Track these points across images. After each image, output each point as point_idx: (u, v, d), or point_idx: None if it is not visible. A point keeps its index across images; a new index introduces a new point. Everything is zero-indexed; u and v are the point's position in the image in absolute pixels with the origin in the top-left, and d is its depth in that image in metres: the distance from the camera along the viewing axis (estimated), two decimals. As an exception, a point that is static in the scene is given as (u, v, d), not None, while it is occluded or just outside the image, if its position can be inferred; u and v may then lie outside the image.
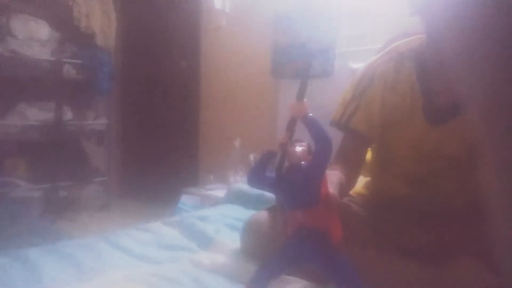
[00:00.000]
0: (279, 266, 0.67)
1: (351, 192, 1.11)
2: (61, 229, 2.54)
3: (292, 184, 0.65)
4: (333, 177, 0.85)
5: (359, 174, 1.10)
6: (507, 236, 0.25)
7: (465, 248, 0.83)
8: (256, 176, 0.68)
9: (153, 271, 0.93)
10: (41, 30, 2.95)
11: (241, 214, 1.40)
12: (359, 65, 2.07)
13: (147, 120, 3.57)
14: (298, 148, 0.65)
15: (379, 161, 1.07)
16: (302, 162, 0.65)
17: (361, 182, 1.14)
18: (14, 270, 0.89)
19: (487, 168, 0.26)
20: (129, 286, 0.87)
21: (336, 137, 1.00)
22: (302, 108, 0.64)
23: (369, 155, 1.15)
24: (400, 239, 0.93)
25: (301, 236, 0.63)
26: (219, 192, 2.53)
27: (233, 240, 1.12)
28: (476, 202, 0.68)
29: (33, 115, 2.93)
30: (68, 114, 3.12)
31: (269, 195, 1.46)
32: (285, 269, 0.69)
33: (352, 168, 1.01)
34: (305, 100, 0.65)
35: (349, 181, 1.00)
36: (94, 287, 0.84)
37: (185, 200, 2.60)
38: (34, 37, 2.91)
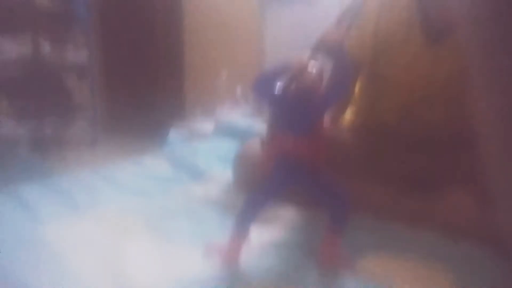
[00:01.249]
0: (268, 193, 0.68)
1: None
2: (50, 166, 2.54)
3: (296, 106, 0.63)
4: None
5: (348, 103, 1.10)
6: (495, 158, 0.25)
7: (452, 176, 0.86)
8: (266, 82, 0.66)
9: (146, 203, 0.95)
10: (7, -46, 2.72)
11: (230, 146, 1.41)
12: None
13: (130, 53, 3.45)
14: (314, 71, 0.63)
15: (369, 92, 1.07)
16: (313, 88, 0.63)
17: (350, 110, 1.15)
18: (9, 205, 0.90)
19: (477, 90, 0.25)
20: (124, 218, 0.89)
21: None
22: (339, 35, 0.62)
23: (357, 85, 1.14)
24: (388, 166, 0.96)
25: (289, 162, 0.64)
26: (207, 125, 2.52)
27: (223, 172, 1.14)
28: (464, 131, 0.69)
29: (10, 48, 2.79)
30: (46, 47, 2.98)
31: (258, 127, 1.47)
32: (273, 195, 0.70)
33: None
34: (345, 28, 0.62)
35: (339, 110, 1.00)
36: (89, 220, 0.86)
37: (173, 134, 2.60)
38: (0, -37, 2.68)
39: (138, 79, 3.41)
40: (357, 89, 1.13)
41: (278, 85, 0.65)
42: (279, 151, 0.65)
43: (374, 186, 0.91)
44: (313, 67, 0.62)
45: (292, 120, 0.64)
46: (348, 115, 1.15)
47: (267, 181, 0.68)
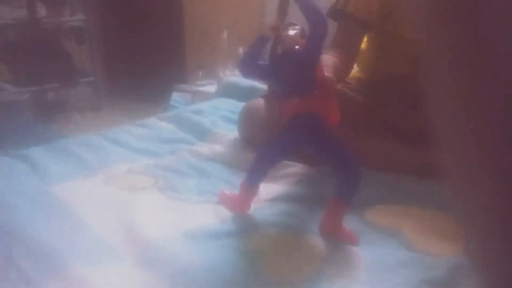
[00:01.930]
0: (277, 153, 0.69)
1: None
2: (55, 130, 2.56)
3: (286, 71, 0.62)
4: (328, 61, 0.83)
5: (354, 62, 1.08)
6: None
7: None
8: (249, 64, 0.65)
9: (154, 163, 0.96)
10: None
11: (235, 106, 1.40)
12: None
13: (128, 15, 3.37)
14: (291, 32, 0.62)
15: (379, 44, 1.05)
16: (297, 47, 0.62)
17: (356, 68, 1.14)
18: (18, 167, 0.91)
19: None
20: (133, 177, 0.91)
21: (331, 25, 0.97)
22: None
23: (363, 45, 1.12)
24: (396, 121, 0.96)
25: (298, 122, 0.63)
26: (210, 87, 2.51)
27: (229, 131, 1.14)
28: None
29: (5, 13, 2.74)
30: (42, 11, 2.91)
31: (261, 86, 1.46)
32: (282, 156, 0.71)
33: (348, 56, 0.99)
34: None
35: (344, 69, 0.99)
36: (100, 180, 0.88)
37: (176, 97, 2.59)
38: None
39: (138, 42, 3.36)
40: (364, 46, 1.12)
41: (264, 57, 0.64)
42: (291, 114, 0.64)
43: (382, 140, 0.91)
44: (290, 28, 0.61)
45: (289, 84, 0.63)
46: (356, 73, 1.14)
47: (279, 138, 0.67)
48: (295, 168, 0.90)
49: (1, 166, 0.91)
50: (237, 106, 1.38)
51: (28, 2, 2.80)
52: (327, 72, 0.65)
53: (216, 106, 1.43)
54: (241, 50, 2.48)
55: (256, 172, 0.69)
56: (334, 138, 0.64)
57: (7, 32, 2.78)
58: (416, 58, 0.97)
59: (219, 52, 2.64)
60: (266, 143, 0.70)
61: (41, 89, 2.89)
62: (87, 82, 3.24)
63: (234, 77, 2.01)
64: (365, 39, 1.12)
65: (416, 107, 0.97)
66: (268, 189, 0.82)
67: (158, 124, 1.24)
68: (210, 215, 0.72)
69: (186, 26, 3.08)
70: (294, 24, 0.63)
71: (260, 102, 1.02)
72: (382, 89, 1.03)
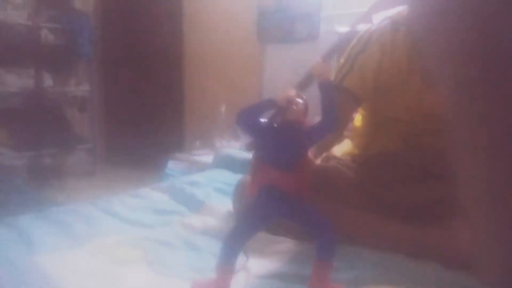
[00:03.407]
0: (250, 225, 0.67)
1: (339, 154, 1.14)
2: (48, 197, 2.53)
3: (281, 142, 0.63)
4: None
5: (343, 131, 1.12)
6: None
7: (452, 208, 0.87)
8: (249, 115, 0.65)
9: (145, 235, 0.95)
10: (15, -8, 2.82)
11: (229, 178, 1.42)
12: (344, 29, 2.06)
13: (131, 86, 3.51)
14: (299, 106, 0.63)
15: (371, 122, 1.09)
16: (298, 122, 0.63)
17: (349, 145, 1.17)
18: (6, 236, 0.89)
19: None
20: (122, 250, 0.89)
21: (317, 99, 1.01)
22: (327, 70, 0.62)
23: (358, 119, 1.17)
24: (388, 198, 0.96)
25: (272, 195, 0.64)
26: (206, 157, 2.54)
27: (223, 204, 1.14)
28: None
29: (13, 82, 2.85)
30: (48, 81, 3.04)
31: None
32: (257, 227, 0.69)
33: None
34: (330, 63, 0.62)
35: (332, 138, 1.02)
36: (88, 252, 0.86)
37: (172, 166, 2.61)
38: (8, 0, 2.78)
39: (138, 111, 3.46)
40: (357, 123, 1.16)
41: (263, 119, 0.65)
42: (263, 183, 0.64)
43: (375, 216, 0.91)
44: (298, 103, 0.63)
45: (276, 155, 0.64)
46: (350, 149, 1.17)
47: (250, 212, 0.67)
48: (286, 244, 0.89)
49: (-11, 233, 0.90)
50: (232, 178, 1.39)
51: (36, 72, 2.93)
52: (310, 152, 0.66)
53: (211, 177, 1.44)
54: (223, 109, 2.57)
55: (230, 250, 0.66)
56: (304, 206, 0.65)
57: (12, 99, 2.87)
58: (405, 136, 1.01)
59: (217, 124, 2.71)
60: (241, 216, 0.69)
61: (38, 154, 2.91)
62: (85, 148, 3.28)
63: (231, 149, 2.04)
64: (359, 117, 1.17)
65: (408, 184, 0.98)
66: (258, 265, 0.80)
67: (152, 195, 1.25)
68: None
69: (186, 97, 3.20)
70: (301, 97, 0.64)
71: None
72: (374, 165, 1.05)
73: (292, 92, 0.62)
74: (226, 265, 0.66)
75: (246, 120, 0.65)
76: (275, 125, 0.64)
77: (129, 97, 3.53)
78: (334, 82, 1.06)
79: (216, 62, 2.97)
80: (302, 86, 0.64)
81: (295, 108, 0.62)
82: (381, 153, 1.04)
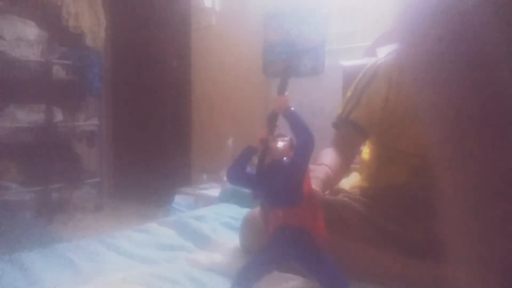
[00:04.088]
0: (263, 266, 0.65)
1: (348, 187, 1.12)
2: (55, 231, 2.52)
3: (273, 182, 0.62)
4: (317, 172, 0.85)
5: (351, 165, 1.11)
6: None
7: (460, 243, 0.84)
8: (236, 172, 0.66)
9: (151, 272, 0.93)
10: (29, 30, 2.92)
11: (237, 212, 1.40)
12: (349, 63, 2.09)
13: (139, 121, 3.56)
14: (280, 144, 0.63)
15: (380, 155, 1.09)
16: (284, 158, 0.62)
17: (357, 177, 1.16)
18: (11, 273, 0.88)
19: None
20: (127, 287, 0.87)
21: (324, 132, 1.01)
22: (284, 101, 0.62)
23: (366, 152, 1.16)
24: (398, 233, 0.94)
25: (283, 235, 0.62)
26: (213, 191, 2.53)
27: (229, 239, 1.12)
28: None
29: (23, 117, 2.90)
30: (58, 116, 3.09)
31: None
32: (269, 269, 0.66)
33: (345, 158, 1.02)
34: (286, 93, 0.63)
35: (340, 172, 1.01)
36: (92, 289, 0.84)
37: (179, 200, 2.60)
38: (22, 38, 2.87)
39: (146, 146, 3.49)
40: (366, 156, 1.16)
41: (250, 168, 0.65)
42: (276, 225, 0.62)
43: (384, 251, 0.89)
44: (279, 139, 0.63)
45: (276, 194, 0.63)
46: (358, 181, 1.16)
47: (263, 254, 0.65)
48: (296, 281, 0.86)
49: (-7, 270, 0.89)
50: (239, 212, 1.38)
51: (47, 108, 2.99)
52: (315, 184, 0.65)
53: (218, 211, 1.42)
54: (230, 142, 2.56)
55: None
56: (320, 252, 0.62)
57: (22, 134, 2.91)
58: (414, 169, 1.00)
59: (224, 157, 2.71)
60: (253, 258, 0.67)
61: (45, 189, 2.92)
62: (93, 183, 3.29)
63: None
64: (367, 150, 1.17)
65: (420, 218, 0.96)
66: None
67: (158, 230, 1.23)
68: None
69: (193, 131, 3.22)
70: (283, 136, 0.64)
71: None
72: (383, 198, 1.03)
73: (263, 132, 0.63)
74: None
75: (235, 176, 0.66)
76: (263, 168, 0.63)
77: (137, 131, 3.57)
78: (341, 117, 1.06)
79: (222, 95, 3.01)
80: (270, 123, 0.64)
81: (276, 146, 0.62)
82: (390, 186, 1.03)
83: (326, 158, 0.97)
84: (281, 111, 0.63)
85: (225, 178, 2.62)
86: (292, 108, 0.62)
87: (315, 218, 0.62)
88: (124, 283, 0.88)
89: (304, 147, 0.62)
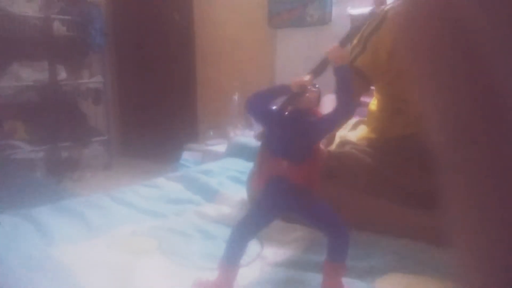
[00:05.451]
0: (259, 218, 0.63)
1: (354, 139, 1.11)
2: (65, 189, 2.57)
3: (291, 131, 0.59)
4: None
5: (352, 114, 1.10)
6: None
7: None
8: (260, 101, 0.61)
9: (160, 225, 0.95)
10: (26, -15, 2.83)
11: (243, 166, 1.41)
12: (357, 11, 2.01)
13: (143, 77, 3.52)
14: (312, 94, 0.59)
15: (388, 106, 1.07)
16: (310, 111, 0.59)
17: (365, 130, 1.15)
18: (25, 228, 0.90)
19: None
20: (137, 240, 0.89)
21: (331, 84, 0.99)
22: (344, 55, 0.58)
23: (374, 104, 1.14)
24: (406, 184, 0.94)
25: (277, 186, 0.59)
26: (220, 147, 2.53)
27: (237, 192, 1.13)
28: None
29: (27, 75, 2.88)
30: (62, 74, 3.06)
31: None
32: (266, 221, 0.64)
33: None
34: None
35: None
36: (103, 243, 0.86)
37: (187, 156, 2.62)
38: (19, -7, 2.79)
39: (152, 103, 3.47)
40: (373, 107, 1.14)
41: (274, 105, 0.62)
42: (271, 174, 0.60)
43: (392, 203, 0.89)
44: (311, 90, 0.59)
45: (286, 145, 0.59)
46: (366, 133, 1.14)
47: (256, 206, 0.63)
48: (301, 232, 0.87)
49: (7, 225, 0.91)
50: (246, 166, 1.38)
51: (50, 66, 2.95)
52: (322, 142, 0.63)
53: (225, 166, 1.43)
54: (236, 98, 2.54)
55: (235, 247, 0.62)
56: (315, 202, 0.60)
57: (27, 93, 2.90)
58: (421, 118, 0.98)
59: (230, 113, 2.69)
60: (249, 210, 0.65)
61: (54, 148, 2.95)
62: (100, 141, 3.31)
63: (244, 137, 2.03)
64: (375, 101, 1.14)
65: (427, 169, 0.95)
66: (274, 254, 0.79)
67: (167, 184, 1.24)
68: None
69: (198, 87, 3.19)
70: (314, 85, 0.60)
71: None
72: (391, 149, 1.02)
73: (307, 78, 0.58)
74: (230, 264, 0.62)
75: (257, 106, 0.61)
76: (286, 113, 0.60)
77: (142, 88, 3.54)
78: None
79: (227, 50, 2.94)
80: (317, 71, 0.60)
81: (308, 95, 0.58)
82: (398, 137, 1.01)
83: (328, 107, 0.95)
84: (336, 64, 0.58)
85: (231, 134, 2.61)
86: (348, 67, 0.58)
87: (312, 174, 0.60)
88: (134, 236, 0.90)
89: (343, 113, 0.59)
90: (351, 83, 0.58)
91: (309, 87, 0.59)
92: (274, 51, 2.64)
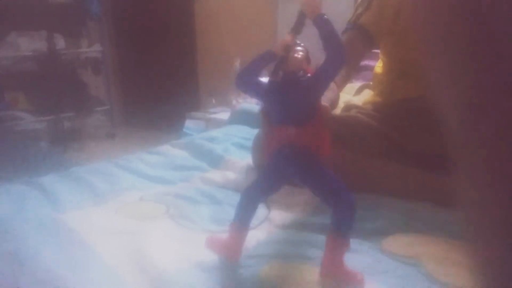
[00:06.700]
0: (265, 187, 0.62)
1: (360, 103, 1.10)
2: (70, 159, 2.59)
3: (287, 96, 0.57)
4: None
5: (354, 72, 1.08)
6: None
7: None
8: (247, 77, 0.59)
9: (167, 191, 0.95)
10: (19, -49, 2.74)
11: (247, 133, 1.40)
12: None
13: (143, 45, 3.46)
14: (300, 53, 0.56)
15: (393, 68, 1.05)
16: (301, 71, 0.56)
17: (371, 93, 1.14)
18: (31, 195, 0.91)
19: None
20: (145, 206, 0.90)
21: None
22: (316, 4, 0.55)
23: (379, 66, 1.12)
24: (411, 146, 0.94)
25: (285, 154, 0.58)
26: (223, 115, 2.53)
27: (242, 158, 1.13)
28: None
29: (26, 45, 2.84)
30: (60, 43, 3.01)
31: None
32: (271, 190, 0.63)
33: (348, 66, 0.99)
34: None
35: (342, 82, 0.99)
36: (112, 209, 0.87)
37: (190, 124, 2.61)
38: (13, -40, 2.71)
39: (153, 71, 3.43)
40: (379, 70, 1.12)
41: (264, 76, 0.59)
42: (279, 143, 0.58)
43: (399, 165, 0.89)
44: (297, 50, 0.56)
45: (286, 110, 0.57)
46: (371, 97, 1.13)
47: (265, 174, 0.62)
48: (308, 195, 0.88)
49: (15, 193, 0.91)
50: (250, 132, 1.38)
51: (48, 35, 2.90)
52: (323, 101, 0.61)
53: (229, 133, 1.43)
54: (238, 64, 2.50)
55: (245, 209, 0.62)
56: (324, 170, 0.58)
57: (26, 63, 2.87)
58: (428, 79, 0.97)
59: (232, 80, 2.67)
60: (255, 179, 0.65)
61: (57, 118, 2.95)
62: (102, 110, 3.30)
63: (247, 104, 2.02)
64: (381, 64, 1.12)
65: (433, 131, 0.95)
66: (280, 216, 0.80)
67: (171, 151, 1.24)
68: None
69: (199, 55, 3.14)
70: (299, 44, 0.57)
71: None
72: (397, 112, 1.02)
73: (288, 38, 0.56)
74: (241, 224, 0.62)
75: (247, 82, 0.60)
76: (278, 79, 0.58)
77: (142, 57, 3.49)
78: (350, 20, 1.01)
79: (228, 16, 2.88)
80: (297, 28, 0.58)
81: (295, 56, 0.56)
82: (404, 100, 1.00)
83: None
84: (311, 16, 0.55)
85: (234, 102, 2.60)
86: (325, 16, 0.55)
87: (320, 136, 0.58)
88: (141, 202, 0.91)
89: (333, 62, 0.56)
90: (334, 29, 0.55)
91: (294, 47, 0.57)
92: (276, 15, 2.58)
